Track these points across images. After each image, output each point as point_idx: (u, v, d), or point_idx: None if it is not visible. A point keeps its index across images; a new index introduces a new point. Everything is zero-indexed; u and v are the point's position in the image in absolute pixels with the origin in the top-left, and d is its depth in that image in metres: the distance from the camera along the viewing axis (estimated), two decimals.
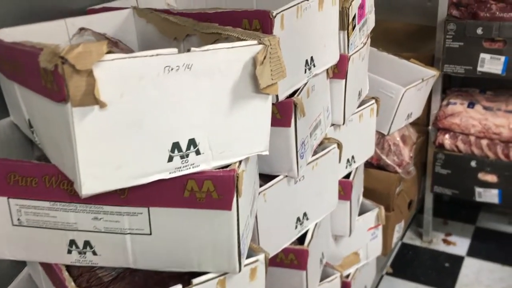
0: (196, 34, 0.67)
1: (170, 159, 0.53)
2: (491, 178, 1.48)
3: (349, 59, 0.96)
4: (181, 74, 0.51)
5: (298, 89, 0.82)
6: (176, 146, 0.53)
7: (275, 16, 0.72)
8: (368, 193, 1.41)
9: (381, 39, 1.79)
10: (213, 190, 0.55)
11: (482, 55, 1.36)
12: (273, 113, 0.79)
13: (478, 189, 1.51)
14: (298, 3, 0.77)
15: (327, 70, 0.93)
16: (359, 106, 1.10)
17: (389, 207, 1.42)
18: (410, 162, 1.42)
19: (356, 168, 1.14)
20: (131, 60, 0.48)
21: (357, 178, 1.15)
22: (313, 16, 0.82)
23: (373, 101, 1.14)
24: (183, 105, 0.52)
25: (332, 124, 1.02)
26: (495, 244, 1.68)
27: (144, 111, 0.50)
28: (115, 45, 0.74)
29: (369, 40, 1.13)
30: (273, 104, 0.78)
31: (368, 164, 1.42)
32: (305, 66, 0.83)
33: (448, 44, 1.40)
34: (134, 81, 0.48)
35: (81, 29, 0.75)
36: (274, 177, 0.85)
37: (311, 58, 0.84)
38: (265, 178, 0.86)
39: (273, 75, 0.55)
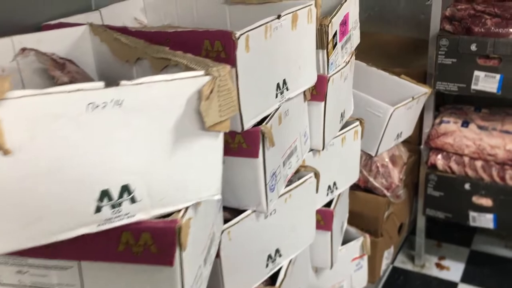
0: (147, 58, 0.60)
1: (98, 209, 0.46)
2: (486, 202, 1.40)
3: (328, 80, 0.89)
4: (109, 112, 0.43)
5: (269, 115, 0.75)
6: (105, 194, 0.46)
7: (238, 38, 0.64)
8: (355, 217, 1.34)
9: (373, 52, 1.72)
10: (151, 244, 0.48)
11: (476, 73, 1.29)
12: (239, 142, 0.72)
13: (472, 213, 1.43)
14: (267, 23, 0.70)
15: (304, 92, 0.86)
16: (341, 129, 1.03)
17: (377, 232, 1.34)
18: (399, 185, 1.34)
19: (339, 195, 1.06)
20: (44, 97, 0.40)
21: (340, 206, 1.07)
22: (285, 36, 0.75)
23: (357, 122, 1.06)
24: (113, 148, 0.45)
25: (311, 150, 0.95)
26: (490, 269, 1.60)
27: (63, 156, 0.42)
28: (62, 67, 0.67)
29: (354, 58, 1.06)
30: (238, 133, 0.70)
31: (355, 186, 1.34)
32: (277, 90, 0.76)
33: (441, 60, 1.32)
34: (47, 121, 0.41)
35: (24, 49, 0.67)
36: (242, 211, 0.77)
37: (284, 81, 0.77)
38: (233, 211, 0.78)
39: (222, 111, 0.47)
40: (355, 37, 1.04)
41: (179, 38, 0.69)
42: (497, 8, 1.30)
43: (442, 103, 1.57)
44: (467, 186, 1.41)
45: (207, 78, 0.47)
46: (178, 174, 0.49)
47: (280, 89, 0.76)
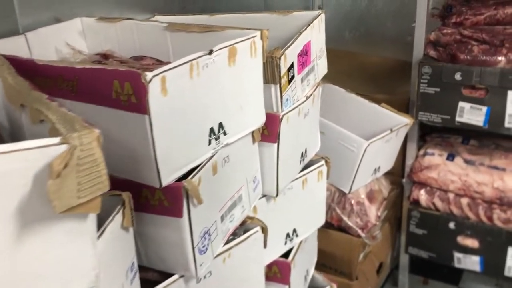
0: (28, 106, 0.49)
1: None
2: (472, 242, 1.28)
3: (282, 119, 0.78)
4: None
5: (200, 165, 0.64)
6: None
7: (150, 81, 0.54)
8: (327, 257, 1.22)
9: (356, 74, 1.62)
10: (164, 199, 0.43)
11: (461, 104, 1.18)
12: (159, 199, 0.61)
13: (457, 254, 1.31)
14: (192, 60, 0.59)
15: (253, 133, 0.75)
16: (303, 170, 0.92)
17: (351, 275, 1.23)
18: (376, 224, 1.22)
19: (301, 242, 0.95)
20: None
21: (302, 254, 0.96)
22: (220, 73, 0.64)
23: (322, 162, 0.95)
24: None
25: (264, 195, 0.84)
26: None
27: None
28: None
29: (319, 90, 0.95)
30: (157, 189, 0.60)
31: (328, 224, 1.22)
32: (210, 135, 0.65)
33: (423, 89, 1.21)
34: None
35: None
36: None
37: (220, 125, 0.66)
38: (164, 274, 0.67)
39: (82, 190, 0.37)
40: (320, 67, 0.93)
41: (87, 76, 0.58)
42: (486, 33, 1.19)
43: (428, 131, 1.46)
44: (451, 225, 1.30)
45: (62, 147, 0.36)
46: (30, 269, 0.38)
47: (214, 134, 0.65)
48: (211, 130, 0.65)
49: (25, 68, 0.59)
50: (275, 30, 0.95)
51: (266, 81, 0.76)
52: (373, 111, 1.30)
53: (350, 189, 1.16)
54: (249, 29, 0.71)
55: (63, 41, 0.85)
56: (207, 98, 0.63)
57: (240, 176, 0.75)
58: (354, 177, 1.15)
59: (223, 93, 0.65)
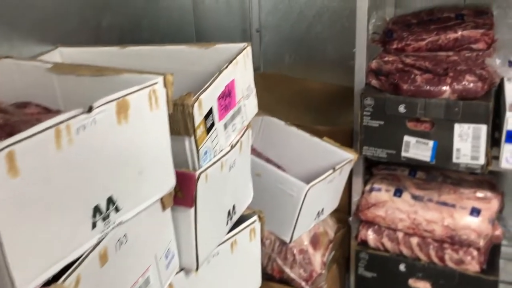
0: None
1: None
2: (424, 285, 1.19)
3: (199, 177, 0.64)
4: None
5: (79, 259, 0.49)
6: None
7: None
8: None
9: (297, 101, 1.51)
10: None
11: (406, 138, 1.08)
12: None
13: None
14: (60, 123, 0.44)
15: (162, 199, 0.61)
16: (231, 229, 0.78)
17: None
18: (322, 273, 1.10)
19: None
20: None
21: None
22: (106, 135, 0.50)
23: (255, 218, 0.82)
24: None
25: (182, 269, 0.69)
26: None
27: None
28: None
29: (248, 134, 0.82)
30: None
31: (268, 277, 1.09)
32: (94, 216, 0.50)
33: (366, 122, 1.11)
34: None
35: None
36: None
37: (109, 200, 0.51)
38: None
39: None
40: (249, 107, 0.80)
41: None
42: (429, 61, 1.11)
43: (375, 162, 1.36)
44: (402, 267, 1.20)
45: None
46: None
47: (101, 214, 0.51)
48: (96, 209, 0.50)
49: None
50: (194, 65, 0.82)
51: (177, 132, 0.63)
52: (315, 146, 1.18)
53: (292, 238, 1.04)
54: (151, 72, 0.57)
55: None
56: (87, 170, 0.48)
57: (146, 255, 0.60)
58: (295, 224, 1.02)
59: (111, 160, 0.51)
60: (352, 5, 1.41)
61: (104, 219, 0.51)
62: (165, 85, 0.56)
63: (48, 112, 0.67)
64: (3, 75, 0.70)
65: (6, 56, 0.69)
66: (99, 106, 0.48)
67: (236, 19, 1.59)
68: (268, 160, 1.21)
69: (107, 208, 0.51)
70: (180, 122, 0.62)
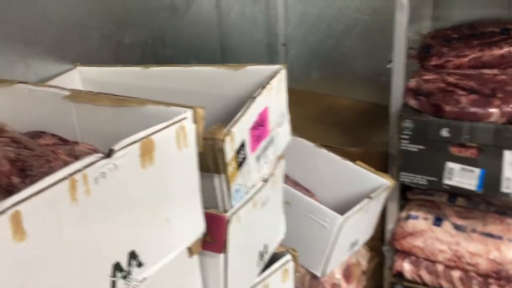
0: None
1: None
2: None
3: (229, 220, 0.57)
4: None
5: None
6: None
7: None
8: None
9: (325, 119, 1.43)
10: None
11: (449, 165, 1.00)
12: None
13: None
14: (75, 172, 0.38)
15: (188, 246, 0.54)
16: (263, 270, 0.70)
17: None
18: None
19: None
20: None
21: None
22: (128, 181, 0.43)
23: (288, 257, 0.74)
24: None
25: None
26: None
27: None
28: None
29: (283, 164, 0.75)
30: None
31: None
32: (114, 275, 0.43)
33: (404, 146, 1.03)
34: None
35: None
36: None
37: (131, 255, 0.44)
38: None
39: None
40: (282, 136, 0.73)
41: None
42: (474, 80, 1.02)
43: (410, 187, 1.27)
44: None
45: None
46: None
47: (122, 271, 0.44)
48: (116, 266, 0.43)
49: None
50: (222, 88, 0.76)
51: (206, 169, 0.55)
52: (347, 170, 1.10)
53: (324, 272, 0.96)
54: (178, 105, 0.50)
55: None
56: (106, 224, 0.41)
57: None
58: (328, 257, 0.94)
59: (133, 209, 0.44)
60: (384, 18, 1.34)
61: (125, 277, 0.44)
62: (194, 120, 0.49)
63: (64, 143, 0.61)
64: (17, 101, 0.64)
65: (20, 81, 0.63)
66: (120, 149, 0.41)
67: (261, 33, 1.52)
68: (296, 184, 1.13)
69: (129, 264, 0.44)
70: (210, 158, 0.55)
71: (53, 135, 0.62)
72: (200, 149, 0.51)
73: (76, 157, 0.61)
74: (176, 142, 0.47)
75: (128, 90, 0.83)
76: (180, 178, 0.49)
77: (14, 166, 0.56)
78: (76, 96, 0.57)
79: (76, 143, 0.60)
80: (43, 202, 0.35)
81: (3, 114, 0.66)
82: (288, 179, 1.17)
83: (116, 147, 0.41)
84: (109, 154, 0.40)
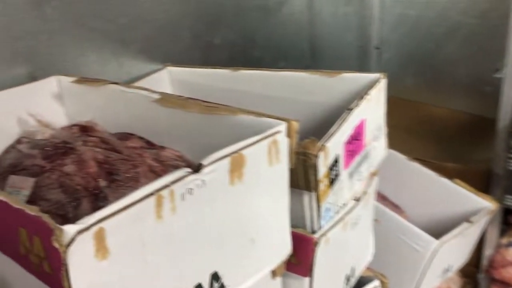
0: None
1: None
2: None
3: (317, 242, 0.52)
4: None
5: None
6: None
7: (71, 243, 0.30)
8: None
9: (419, 129, 1.32)
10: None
11: None
12: None
13: None
14: (162, 189, 0.35)
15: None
16: None
17: None
18: None
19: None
20: None
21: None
22: (215, 199, 0.40)
23: (377, 283, 0.68)
24: None
25: None
26: None
27: None
28: None
29: (376, 181, 0.68)
30: None
31: None
32: None
33: None
34: None
35: None
36: None
37: (213, 276, 0.41)
38: None
39: None
40: (378, 150, 0.67)
41: None
42: None
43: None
44: None
45: None
46: None
47: None
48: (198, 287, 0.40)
49: None
50: (314, 95, 0.71)
51: (294, 185, 0.51)
52: (442, 188, 1.01)
53: None
54: (271, 116, 0.46)
55: (22, 110, 0.64)
56: (190, 243, 0.38)
57: None
58: (418, 283, 0.86)
59: (219, 228, 0.40)
60: (494, 22, 1.21)
61: None
62: (288, 133, 0.45)
63: (151, 147, 0.60)
64: (108, 102, 0.64)
65: (113, 82, 0.62)
66: (210, 164, 0.38)
67: (353, 34, 1.45)
68: (384, 198, 1.05)
69: (211, 286, 0.41)
70: (300, 174, 0.51)
71: (140, 137, 0.61)
72: (292, 166, 0.47)
73: (161, 163, 0.60)
74: (268, 157, 0.43)
75: (216, 93, 0.81)
76: (268, 196, 0.45)
77: (102, 169, 0.56)
78: (166, 100, 0.55)
79: (162, 148, 0.59)
80: (128, 219, 0.33)
81: (94, 113, 0.66)
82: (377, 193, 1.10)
83: (205, 162, 0.38)
84: (197, 169, 0.37)
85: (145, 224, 0.34)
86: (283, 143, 0.45)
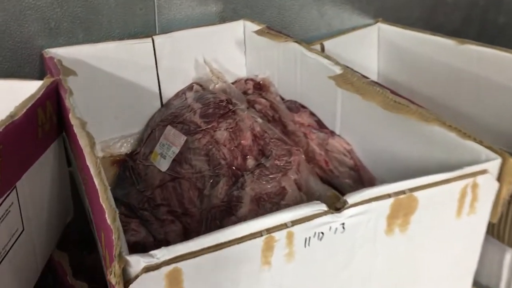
0: None
1: None
2: None
3: None
4: None
5: None
6: None
7: (134, 279, 0.22)
8: None
9: None
10: None
11: None
12: None
13: None
14: (275, 230, 0.25)
15: None
16: None
17: None
18: None
19: None
20: None
21: None
22: (358, 249, 0.28)
23: None
24: None
25: None
26: None
27: None
28: None
29: None
30: None
31: None
32: None
33: None
34: None
35: None
36: None
37: None
38: None
39: None
40: None
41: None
42: None
43: None
44: None
45: None
46: None
47: None
48: None
49: None
50: None
51: (496, 234, 0.35)
52: None
53: None
54: (480, 142, 0.30)
55: (216, 52, 0.59)
56: None
57: None
58: None
59: None
60: None
61: None
62: (500, 175, 0.29)
63: (320, 129, 0.49)
64: (286, 61, 0.54)
65: (295, 40, 0.52)
66: (358, 204, 0.26)
67: None
68: None
69: None
70: (509, 227, 0.34)
71: (312, 114, 0.51)
72: (494, 220, 0.31)
73: (327, 152, 0.48)
74: (457, 206, 0.29)
75: (430, 67, 0.64)
76: (445, 257, 0.31)
77: (255, 144, 0.48)
78: (344, 80, 0.43)
79: (332, 134, 0.48)
80: (219, 261, 0.24)
81: (272, 69, 0.58)
82: None
83: (349, 199, 0.26)
84: (338, 206, 0.26)
85: (243, 271, 0.25)
86: (489, 189, 0.29)
